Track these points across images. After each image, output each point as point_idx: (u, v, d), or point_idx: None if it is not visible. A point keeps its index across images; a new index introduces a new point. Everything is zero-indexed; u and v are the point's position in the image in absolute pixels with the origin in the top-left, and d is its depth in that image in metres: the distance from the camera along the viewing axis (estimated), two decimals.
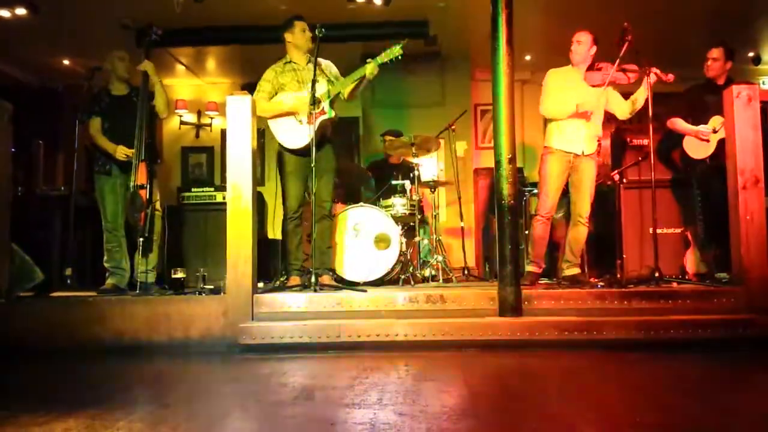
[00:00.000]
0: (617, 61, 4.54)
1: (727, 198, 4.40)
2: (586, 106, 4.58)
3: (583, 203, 4.71)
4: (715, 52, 4.98)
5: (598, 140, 4.75)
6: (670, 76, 4.57)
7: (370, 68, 4.44)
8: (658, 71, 4.52)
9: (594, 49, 4.71)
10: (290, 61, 4.70)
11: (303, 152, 4.50)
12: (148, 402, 2.40)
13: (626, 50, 4.45)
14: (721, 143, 4.79)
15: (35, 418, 2.14)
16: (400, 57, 4.42)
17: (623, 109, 4.74)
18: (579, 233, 4.74)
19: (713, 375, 2.89)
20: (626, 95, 4.74)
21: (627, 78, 4.62)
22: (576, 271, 4.75)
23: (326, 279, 4.56)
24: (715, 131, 4.84)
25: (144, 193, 4.54)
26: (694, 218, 5.16)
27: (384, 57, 4.44)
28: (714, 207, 4.90)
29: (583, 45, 4.70)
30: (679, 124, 4.98)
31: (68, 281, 5.07)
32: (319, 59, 4.63)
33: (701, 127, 4.90)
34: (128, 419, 2.11)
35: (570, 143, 4.67)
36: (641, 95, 4.62)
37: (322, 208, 4.65)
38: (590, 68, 4.69)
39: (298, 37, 4.66)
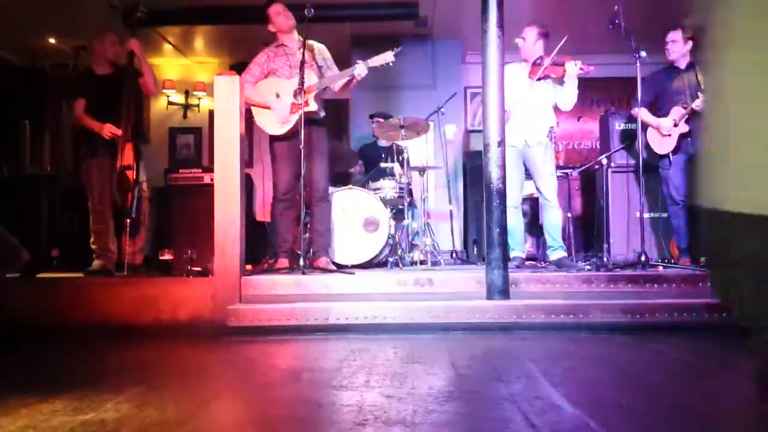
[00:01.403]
0: (551, 55, 4.67)
1: (690, 192, 4.59)
2: (516, 98, 4.73)
3: (544, 187, 4.85)
4: (673, 35, 4.99)
5: (551, 128, 4.85)
6: (591, 69, 4.63)
7: (359, 69, 4.45)
8: (578, 63, 4.59)
9: (540, 43, 4.83)
10: (282, 44, 4.67)
11: (289, 136, 4.50)
12: (136, 384, 2.40)
13: (564, 43, 4.60)
14: (683, 137, 4.86)
15: (22, 399, 2.14)
16: (391, 63, 4.45)
17: (562, 101, 4.82)
18: (551, 216, 4.85)
19: (698, 359, 2.93)
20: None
21: (558, 72, 4.71)
22: (560, 254, 4.81)
23: (322, 262, 4.56)
24: (675, 125, 4.88)
25: (131, 174, 4.52)
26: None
27: (375, 61, 4.46)
28: (676, 199, 4.99)
29: (527, 42, 4.86)
30: (642, 114, 4.96)
31: (55, 262, 5.05)
32: (312, 42, 4.60)
33: (662, 121, 4.94)
34: (115, 401, 2.11)
35: (514, 136, 4.77)
36: (567, 88, 4.71)
37: (317, 191, 4.64)
38: (535, 62, 4.78)
39: (277, 23, 4.63)
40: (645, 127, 5.04)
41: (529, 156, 4.84)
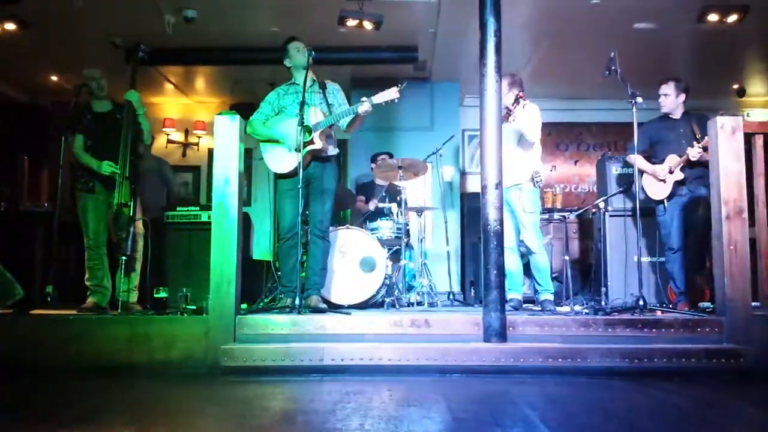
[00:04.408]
0: (510, 100, 4.78)
1: (686, 237, 4.82)
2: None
3: (524, 233, 4.87)
4: (666, 88, 5.05)
5: (534, 173, 4.88)
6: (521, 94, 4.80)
7: (364, 106, 4.44)
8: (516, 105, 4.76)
9: (513, 91, 4.87)
10: (294, 83, 4.71)
11: (294, 174, 4.49)
12: (128, 423, 2.36)
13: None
14: (678, 184, 4.89)
15: None
16: (395, 100, 4.44)
17: (524, 133, 4.84)
18: (534, 262, 4.90)
19: (696, 405, 2.89)
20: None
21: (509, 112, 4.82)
22: (545, 296, 4.87)
23: (313, 300, 4.52)
24: (671, 171, 4.91)
25: (127, 212, 4.51)
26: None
27: (380, 98, 4.44)
28: (671, 245, 4.98)
29: (501, 91, 4.92)
30: (637, 161, 5.00)
31: (49, 299, 4.99)
32: (327, 81, 4.67)
33: (657, 167, 4.98)
34: None
35: None
36: (522, 125, 4.77)
37: (316, 229, 4.62)
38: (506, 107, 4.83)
39: (295, 58, 4.68)
40: (641, 172, 5.07)
41: (509, 201, 4.84)
